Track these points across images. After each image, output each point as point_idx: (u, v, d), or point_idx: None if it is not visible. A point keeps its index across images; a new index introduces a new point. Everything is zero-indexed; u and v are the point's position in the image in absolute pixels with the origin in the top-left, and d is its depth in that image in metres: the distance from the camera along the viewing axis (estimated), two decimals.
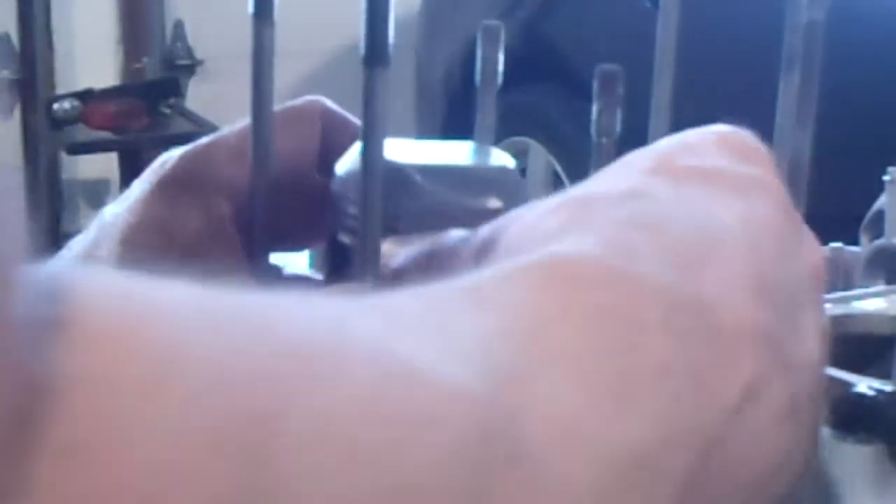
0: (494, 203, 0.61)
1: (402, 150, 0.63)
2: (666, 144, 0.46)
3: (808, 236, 0.45)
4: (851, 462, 0.61)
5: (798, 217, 0.45)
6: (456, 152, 0.66)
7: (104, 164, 3.59)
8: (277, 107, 0.65)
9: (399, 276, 0.53)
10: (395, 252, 0.55)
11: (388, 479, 0.30)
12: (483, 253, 0.47)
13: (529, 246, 0.41)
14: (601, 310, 0.37)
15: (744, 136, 0.47)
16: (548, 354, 0.36)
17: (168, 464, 0.25)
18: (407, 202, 0.60)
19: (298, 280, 0.67)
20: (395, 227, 0.58)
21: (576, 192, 0.45)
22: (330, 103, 0.69)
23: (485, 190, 0.62)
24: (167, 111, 3.41)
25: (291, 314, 0.32)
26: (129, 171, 3.18)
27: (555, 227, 0.42)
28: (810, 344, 0.42)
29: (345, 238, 0.61)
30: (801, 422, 0.41)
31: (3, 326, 0.24)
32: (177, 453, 0.26)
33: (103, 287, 0.28)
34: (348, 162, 0.62)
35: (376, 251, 0.56)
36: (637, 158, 0.46)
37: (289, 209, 0.66)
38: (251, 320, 0.31)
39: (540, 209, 0.44)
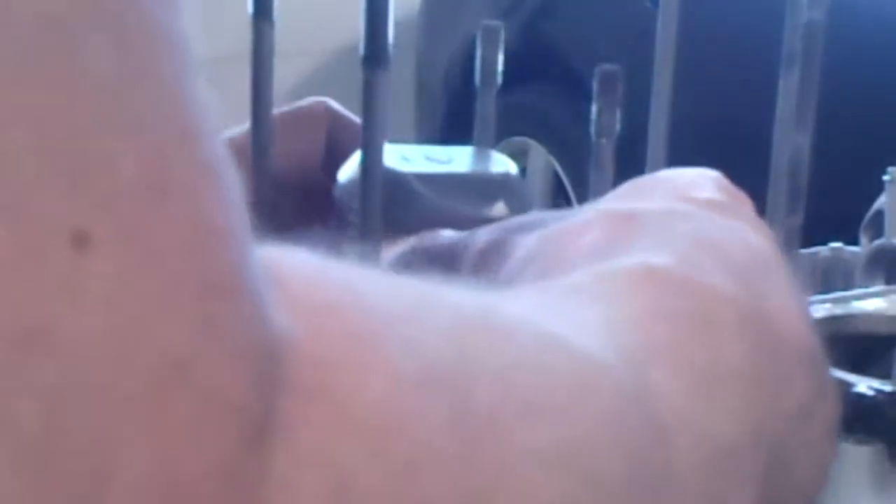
0: (500, 210, 0.61)
1: (404, 157, 0.62)
2: (671, 176, 0.49)
3: None
4: (851, 462, 0.61)
5: None
6: (457, 158, 0.65)
7: None
8: (282, 107, 0.65)
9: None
10: (385, 252, 0.55)
11: (561, 435, 0.32)
12: (489, 256, 0.47)
13: (570, 255, 0.44)
14: (685, 313, 0.40)
15: (725, 179, 0.49)
16: (651, 346, 0.38)
17: (391, 402, 0.29)
18: (410, 212, 0.60)
19: None
20: (398, 238, 0.57)
21: (606, 208, 0.46)
22: (335, 104, 0.69)
23: (490, 197, 0.62)
24: None
25: (445, 293, 0.35)
26: None
27: (599, 238, 0.44)
28: (827, 370, 0.45)
29: (347, 247, 0.61)
30: (832, 441, 0.45)
31: (252, 286, 0.27)
32: (397, 393, 0.29)
33: (287, 254, 0.30)
34: (350, 169, 0.62)
35: (377, 255, 0.55)
36: (649, 185, 0.48)
37: (294, 209, 0.66)
38: (420, 290, 0.34)
39: (569, 222, 0.46)
